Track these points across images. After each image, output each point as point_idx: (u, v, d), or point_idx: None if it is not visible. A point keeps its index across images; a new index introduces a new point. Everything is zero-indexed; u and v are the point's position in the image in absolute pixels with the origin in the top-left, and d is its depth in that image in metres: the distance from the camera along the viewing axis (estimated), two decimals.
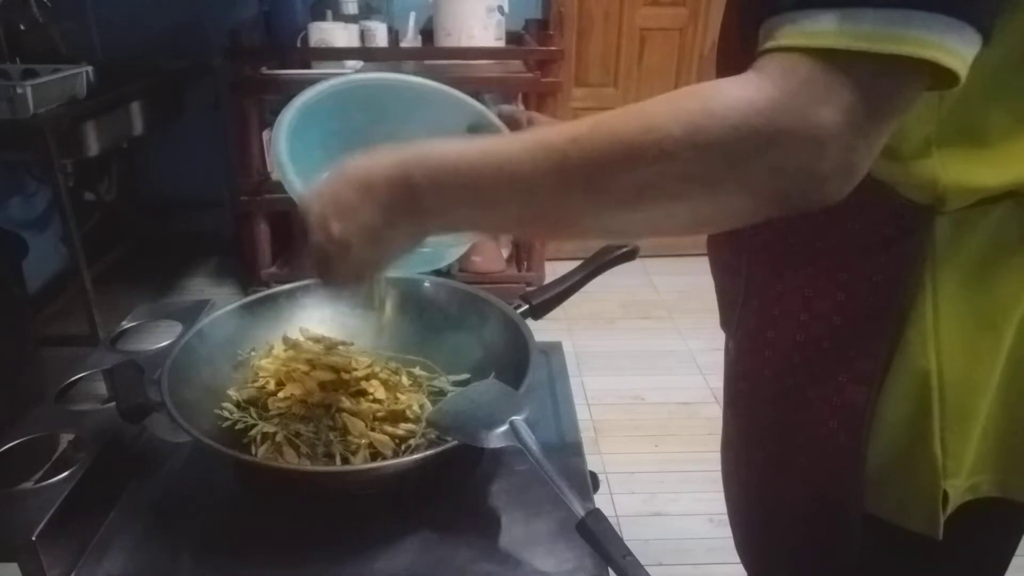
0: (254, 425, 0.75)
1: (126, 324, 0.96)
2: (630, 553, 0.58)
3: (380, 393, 0.79)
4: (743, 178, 0.45)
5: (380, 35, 2.56)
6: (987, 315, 0.56)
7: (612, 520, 0.60)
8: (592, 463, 0.79)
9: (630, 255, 0.93)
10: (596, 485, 0.80)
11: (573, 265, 0.92)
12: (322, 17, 2.50)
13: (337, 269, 0.57)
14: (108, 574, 0.65)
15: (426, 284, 0.90)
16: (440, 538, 0.68)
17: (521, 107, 2.60)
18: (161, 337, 0.91)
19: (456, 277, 2.43)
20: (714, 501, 0.99)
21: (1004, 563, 0.71)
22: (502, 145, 0.52)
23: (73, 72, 2.13)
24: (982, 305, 0.56)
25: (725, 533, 0.84)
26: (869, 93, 0.42)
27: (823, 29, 0.42)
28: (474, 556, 0.66)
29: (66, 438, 0.76)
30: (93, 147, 2.19)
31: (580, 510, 0.60)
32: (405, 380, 0.81)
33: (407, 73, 1.03)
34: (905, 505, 0.61)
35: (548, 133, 0.49)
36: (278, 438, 0.73)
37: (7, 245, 2.13)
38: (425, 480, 0.70)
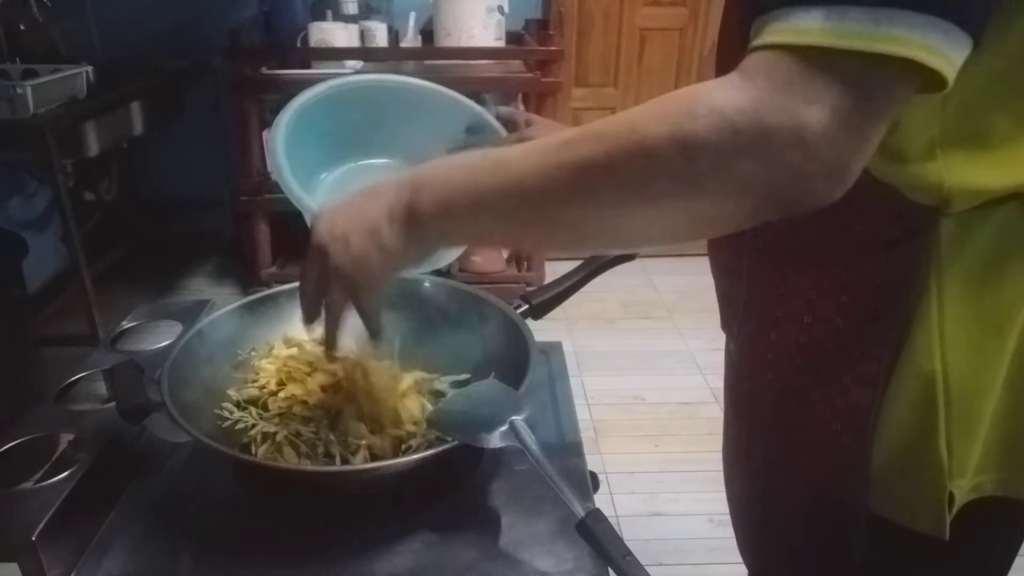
0: (254, 425, 0.75)
1: (126, 324, 0.96)
2: (630, 553, 0.58)
3: (380, 393, 0.79)
4: (729, 179, 0.44)
5: (380, 35, 2.56)
6: (992, 317, 0.56)
7: (612, 520, 0.60)
8: (592, 463, 0.79)
9: (630, 255, 0.93)
10: (596, 485, 0.80)
11: (573, 265, 0.92)
12: (322, 17, 2.50)
13: (333, 272, 0.58)
14: (108, 574, 0.65)
15: (426, 284, 0.90)
16: (440, 538, 0.68)
17: (521, 107, 2.60)
18: (161, 337, 0.91)
19: (456, 277, 2.43)
20: (714, 501, 1.00)
21: (1008, 562, 0.71)
22: (500, 155, 0.53)
23: (73, 72, 2.13)
24: (987, 307, 0.56)
25: (725, 533, 0.84)
26: (854, 92, 0.42)
27: (808, 27, 0.42)
28: (474, 556, 0.66)
29: (66, 438, 0.76)
30: (93, 147, 2.19)
31: (580, 510, 0.60)
32: (405, 381, 0.81)
33: (407, 73, 1.03)
34: (911, 506, 0.61)
35: (543, 141, 0.50)
36: (278, 438, 0.73)
37: (7, 245, 2.13)
38: (425, 480, 0.70)
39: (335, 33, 2.46)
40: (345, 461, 0.72)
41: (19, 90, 1.90)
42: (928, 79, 0.42)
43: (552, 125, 0.88)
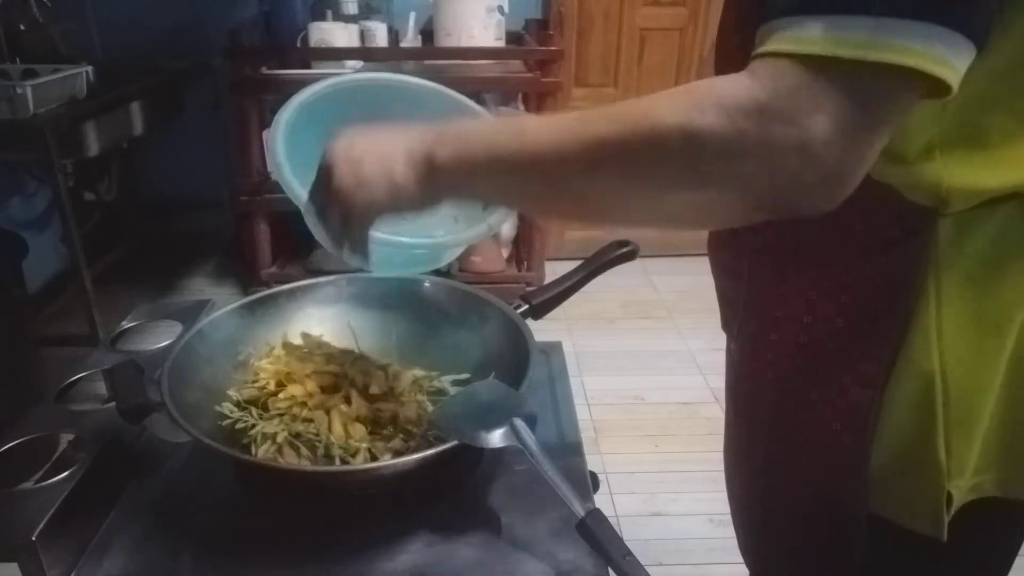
0: (254, 425, 0.75)
1: (126, 324, 0.96)
2: (630, 553, 0.58)
3: (380, 393, 0.79)
4: (730, 176, 0.45)
5: (380, 35, 2.56)
6: (991, 317, 0.56)
7: (612, 520, 0.60)
8: (592, 463, 0.79)
9: (630, 255, 0.93)
10: (596, 485, 0.80)
11: (573, 265, 0.92)
12: (322, 17, 2.50)
13: (348, 200, 0.59)
14: (108, 574, 0.65)
15: (426, 284, 0.90)
16: (440, 538, 0.68)
17: (521, 107, 2.60)
18: (161, 337, 0.91)
19: (456, 277, 2.43)
20: (714, 501, 1.00)
21: (1008, 563, 0.71)
22: (520, 122, 0.57)
23: (73, 72, 2.13)
24: (986, 307, 0.56)
25: (725, 533, 0.84)
26: (858, 101, 0.42)
27: (812, 36, 0.42)
28: (474, 556, 0.66)
29: (66, 438, 0.76)
30: (93, 147, 2.19)
31: (580, 510, 0.60)
32: (405, 381, 0.81)
33: (407, 73, 1.03)
34: (909, 506, 0.61)
35: (562, 115, 0.52)
36: (278, 438, 0.73)
37: (7, 245, 2.13)
38: (425, 480, 0.70)
39: (335, 33, 2.46)
40: (345, 461, 0.72)
41: (19, 90, 1.90)
42: (933, 86, 0.42)
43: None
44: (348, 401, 0.78)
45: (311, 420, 0.75)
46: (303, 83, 0.91)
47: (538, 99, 2.55)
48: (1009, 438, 0.59)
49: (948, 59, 0.41)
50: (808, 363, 0.63)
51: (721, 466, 0.82)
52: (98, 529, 0.69)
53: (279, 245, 2.74)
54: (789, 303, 0.64)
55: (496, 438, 0.64)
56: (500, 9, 2.56)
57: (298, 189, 0.81)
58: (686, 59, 3.09)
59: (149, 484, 0.75)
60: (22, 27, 2.36)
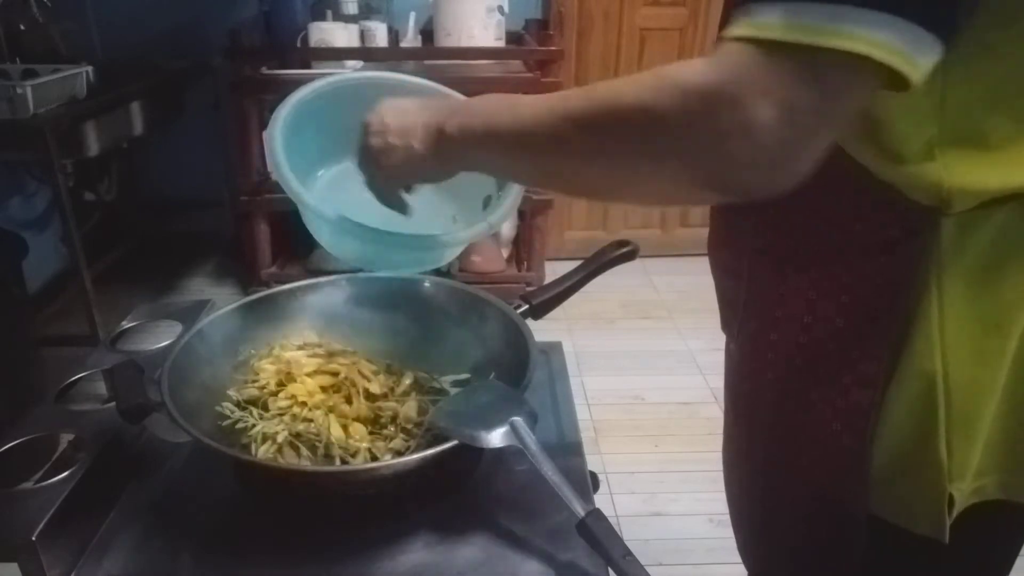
0: (254, 425, 0.75)
1: (126, 324, 0.96)
2: (630, 553, 0.58)
3: (380, 393, 0.79)
4: (680, 152, 0.48)
5: (380, 35, 2.56)
6: (993, 318, 0.56)
7: (612, 520, 0.60)
8: (592, 463, 0.79)
9: (630, 255, 0.93)
10: (596, 485, 0.80)
11: (573, 265, 0.92)
12: (322, 17, 2.50)
13: (379, 162, 0.70)
14: (108, 574, 0.65)
15: (426, 284, 0.90)
16: (440, 538, 0.68)
17: None
18: (161, 337, 0.91)
19: (456, 277, 2.43)
20: (714, 501, 0.99)
21: (1008, 565, 0.70)
22: (517, 98, 0.62)
23: (73, 72, 2.13)
24: (988, 307, 0.56)
25: (725, 533, 0.84)
26: (807, 86, 0.43)
27: (769, 21, 0.43)
28: (474, 556, 0.66)
29: (66, 438, 0.76)
30: (93, 147, 2.19)
31: (580, 510, 0.60)
32: (405, 381, 0.81)
33: (407, 73, 1.03)
34: (910, 508, 0.61)
35: (552, 93, 0.57)
36: (278, 438, 0.73)
37: (7, 245, 2.13)
38: (425, 480, 0.70)
39: (335, 33, 2.46)
40: (345, 461, 0.72)
41: (19, 90, 1.90)
42: (891, 77, 0.43)
43: None
44: (348, 401, 0.78)
45: (311, 420, 0.75)
46: (303, 83, 0.91)
47: None
48: (1012, 440, 0.59)
49: (903, 50, 0.42)
50: (808, 363, 0.63)
51: (721, 466, 0.82)
52: (98, 529, 0.69)
53: (279, 245, 2.74)
54: (789, 303, 0.64)
55: (496, 438, 0.64)
56: (500, 9, 2.56)
57: (296, 186, 0.81)
58: (686, 59, 3.08)
59: (149, 484, 0.75)
60: (22, 27, 2.36)
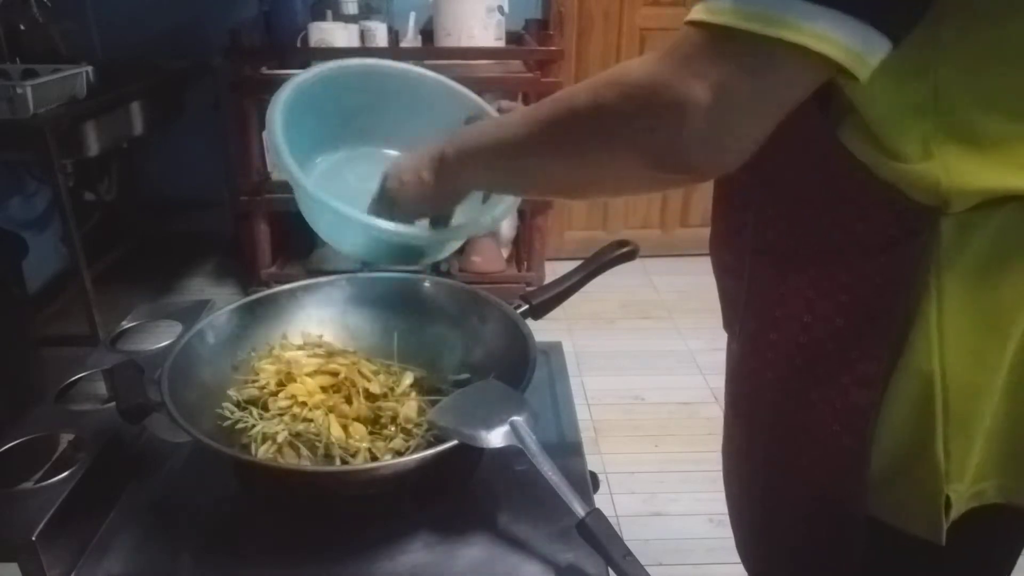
0: (254, 425, 0.75)
1: (126, 324, 0.96)
2: (630, 553, 0.58)
3: (380, 394, 0.79)
4: (626, 139, 0.53)
5: (380, 35, 2.56)
6: (992, 318, 0.56)
7: (612, 520, 0.60)
8: (592, 463, 0.79)
9: (630, 255, 0.93)
10: (596, 485, 0.80)
11: (573, 265, 0.92)
12: (322, 17, 2.50)
13: (397, 200, 0.76)
14: (108, 574, 0.65)
15: (426, 284, 0.90)
16: (440, 538, 0.68)
17: (520, 104, 2.60)
18: (161, 337, 0.91)
19: (456, 277, 2.43)
20: (714, 501, 0.99)
21: (1008, 568, 0.70)
22: (504, 116, 0.72)
23: (73, 72, 2.13)
24: (987, 308, 0.56)
25: (725, 533, 0.84)
26: (744, 71, 0.46)
27: (719, 7, 0.46)
28: (474, 556, 0.66)
29: (66, 438, 0.76)
30: (93, 147, 2.19)
31: (580, 510, 0.60)
32: (405, 381, 0.81)
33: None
34: (907, 509, 0.61)
35: (535, 104, 0.64)
36: (278, 438, 0.73)
37: (7, 245, 2.13)
38: (425, 480, 0.70)
39: (335, 33, 2.46)
40: (345, 461, 0.72)
41: (19, 90, 1.90)
42: (836, 68, 0.46)
43: None
44: (348, 401, 0.78)
45: (311, 420, 0.75)
46: None
47: (538, 99, 2.53)
48: (1012, 445, 0.59)
49: (841, 41, 0.44)
50: (808, 363, 0.63)
51: (721, 466, 0.82)
52: (98, 529, 0.69)
53: (279, 245, 2.74)
54: (789, 303, 0.64)
55: (496, 438, 0.64)
56: (500, 9, 2.56)
57: (297, 172, 0.80)
58: None
59: (149, 484, 0.75)
60: (22, 27, 2.36)
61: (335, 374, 0.80)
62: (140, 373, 0.73)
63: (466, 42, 2.53)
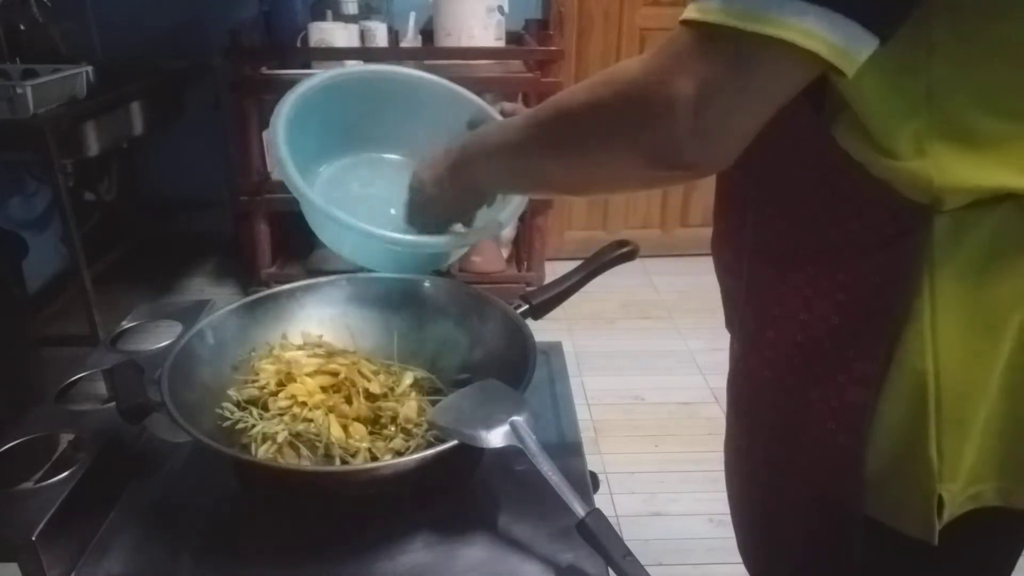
0: (254, 425, 0.75)
1: (126, 324, 0.96)
2: (630, 553, 0.58)
3: (380, 394, 0.79)
4: (624, 135, 0.54)
5: (380, 35, 2.56)
6: (985, 318, 0.56)
7: (612, 520, 0.60)
8: (592, 463, 0.79)
9: (630, 255, 0.93)
10: (596, 485, 0.80)
11: (573, 265, 0.92)
12: (322, 17, 2.50)
13: (421, 202, 0.81)
14: (108, 574, 0.65)
15: (426, 284, 0.90)
16: (440, 538, 0.68)
17: (521, 106, 2.60)
18: (161, 337, 0.91)
19: (456, 277, 2.43)
20: (714, 501, 1.00)
21: (1007, 571, 0.70)
22: (508, 120, 0.74)
23: (73, 72, 2.13)
24: (980, 308, 0.56)
25: (725, 533, 0.84)
26: (731, 67, 0.48)
27: (708, 7, 0.48)
28: (474, 556, 0.66)
29: (66, 438, 0.76)
30: (93, 147, 2.19)
31: (580, 510, 0.60)
32: (405, 381, 0.81)
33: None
34: (902, 509, 0.61)
35: (535, 107, 0.66)
36: (278, 438, 0.73)
37: (7, 245, 2.13)
38: (425, 480, 0.70)
39: (335, 33, 2.46)
40: (345, 461, 0.72)
41: (19, 90, 1.90)
42: (822, 64, 0.46)
43: None
44: (348, 401, 0.78)
45: (311, 420, 0.75)
46: None
47: (538, 99, 2.54)
48: (1009, 447, 0.59)
49: (827, 38, 0.45)
50: (805, 362, 0.63)
51: (721, 466, 0.82)
52: (98, 529, 0.69)
53: (279, 245, 2.74)
54: (787, 301, 0.64)
55: (496, 438, 0.64)
56: (500, 9, 2.56)
57: (300, 183, 0.81)
58: None
59: (149, 484, 0.75)
60: (22, 27, 2.36)
61: (335, 374, 0.80)
62: (140, 373, 0.73)
63: (466, 42, 2.53)
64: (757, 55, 0.47)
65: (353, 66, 0.99)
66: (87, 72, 2.16)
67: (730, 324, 0.76)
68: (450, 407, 0.72)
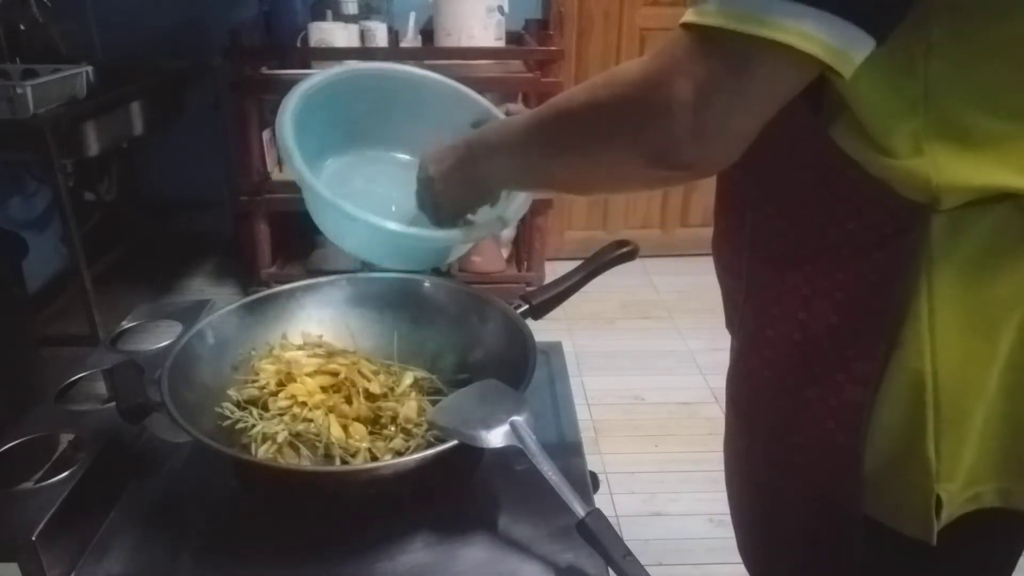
0: (254, 425, 0.75)
1: (126, 324, 0.96)
2: (630, 553, 0.58)
3: (380, 394, 0.79)
4: (624, 135, 0.55)
5: (380, 35, 2.56)
6: (983, 318, 0.56)
7: (612, 520, 0.60)
8: (592, 463, 0.79)
9: (630, 255, 0.93)
10: (596, 485, 0.80)
11: (573, 265, 0.92)
12: (322, 17, 2.50)
13: (430, 196, 0.82)
14: (108, 574, 0.65)
15: (426, 284, 0.90)
16: (440, 538, 0.68)
17: (522, 107, 2.60)
18: (161, 337, 0.91)
19: (456, 277, 2.43)
20: (714, 501, 1.00)
21: (1007, 572, 0.70)
22: (511, 118, 0.76)
23: (73, 72, 2.13)
24: (978, 307, 0.56)
25: (725, 533, 0.84)
26: (728, 68, 0.48)
27: (708, 9, 0.48)
28: (474, 556, 0.66)
29: (66, 438, 0.76)
30: (93, 147, 2.19)
31: (580, 510, 0.60)
32: (405, 381, 0.81)
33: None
34: (900, 508, 0.61)
35: (541, 105, 0.67)
36: (278, 438, 0.73)
37: (7, 245, 2.13)
38: (425, 480, 0.70)
39: (335, 33, 2.46)
40: (345, 461, 0.72)
41: (19, 90, 1.90)
42: (818, 66, 0.47)
43: None
44: (348, 401, 0.78)
45: (311, 420, 0.75)
46: None
47: (538, 99, 2.54)
48: (1009, 447, 0.59)
49: (823, 39, 0.46)
50: (804, 361, 0.63)
51: (721, 466, 0.82)
52: (98, 529, 0.69)
53: (279, 245, 2.74)
54: (786, 301, 0.64)
55: (496, 438, 0.64)
56: (500, 9, 2.56)
57: (309, 177, 0.81)
58: None
59: (149, 484, 0.75)
60: (22, 27, 2.36)
61: (335, 374, 0.80)
62: (140, 373, 0.73)
63: (466, 42, 2.53)
64: (755, 58, 0.48)
65: (356, 64, 0.99)
66: (87, 72, 2.16)
67: (730, 324, 0.76)
68: (450, 407, 0.72)
